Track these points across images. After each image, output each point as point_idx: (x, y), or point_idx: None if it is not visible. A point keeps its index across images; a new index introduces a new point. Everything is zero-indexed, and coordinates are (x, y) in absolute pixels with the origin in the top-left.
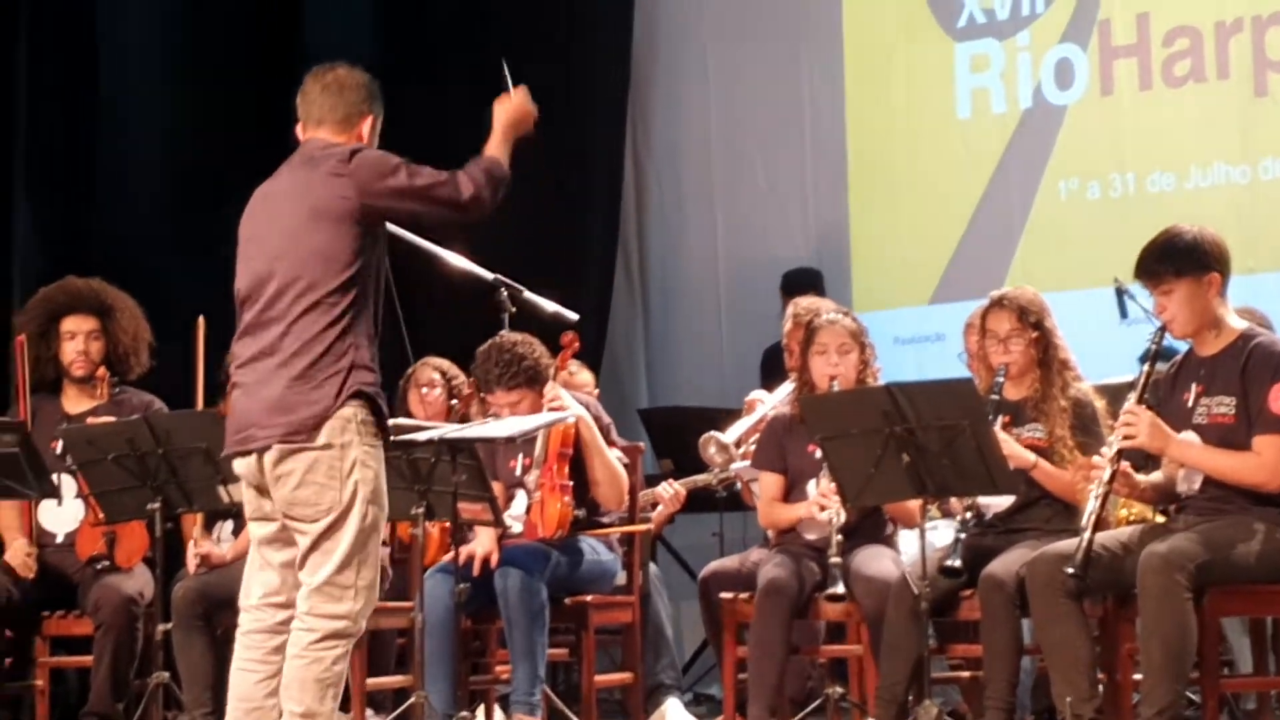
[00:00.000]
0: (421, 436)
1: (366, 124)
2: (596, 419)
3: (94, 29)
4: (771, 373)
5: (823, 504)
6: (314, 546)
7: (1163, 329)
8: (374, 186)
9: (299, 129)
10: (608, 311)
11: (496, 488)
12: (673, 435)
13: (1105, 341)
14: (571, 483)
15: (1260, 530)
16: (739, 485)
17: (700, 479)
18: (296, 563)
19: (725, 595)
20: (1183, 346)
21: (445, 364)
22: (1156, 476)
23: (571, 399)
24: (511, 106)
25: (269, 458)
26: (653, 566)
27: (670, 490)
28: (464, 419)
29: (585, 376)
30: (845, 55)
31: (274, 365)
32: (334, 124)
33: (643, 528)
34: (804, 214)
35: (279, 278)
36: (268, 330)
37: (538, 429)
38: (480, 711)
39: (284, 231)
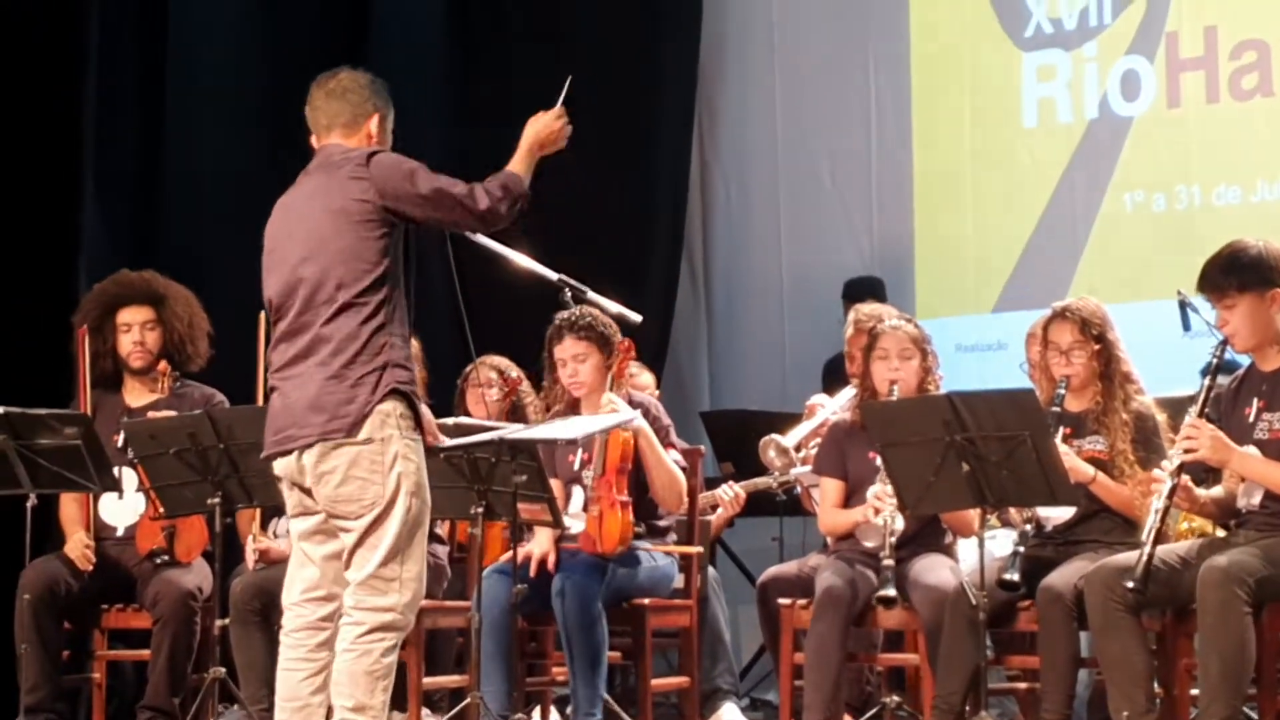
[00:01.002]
0: (483, 437)
1: (373, 121)
2: (656, 420)
3: (165, 34)
4: (833, 379)
5: (878, 507)
6: (360, 542)
7: (1225, 343)
8: (393, 189)
9: (313, 140)
10: (672, 314)
11: (554, 484)
12: (734, 438)
13: (1167, 354)
14: (630, 499)
15: None
16: (799, 490)
17: (760, 482)
18: (342, 557)
19: (783, 601)
20: (1245, 361)
21: (504, 363)
22: (1217, 491)
23: (627, 406)
24: (543, 125)
25: (310, 457)
26: (711, 570)
27: (730, 493)
28: (515, 407)
29: (646, 378)
30: (912, 63)
31: (311, 366)
32: (342, 127)
33: (696, 550)
34: (868, 220)
35: (308, 282)
36: (303, 334)
37: (598, 432)
38: (536, 712)
39: (309, 235)
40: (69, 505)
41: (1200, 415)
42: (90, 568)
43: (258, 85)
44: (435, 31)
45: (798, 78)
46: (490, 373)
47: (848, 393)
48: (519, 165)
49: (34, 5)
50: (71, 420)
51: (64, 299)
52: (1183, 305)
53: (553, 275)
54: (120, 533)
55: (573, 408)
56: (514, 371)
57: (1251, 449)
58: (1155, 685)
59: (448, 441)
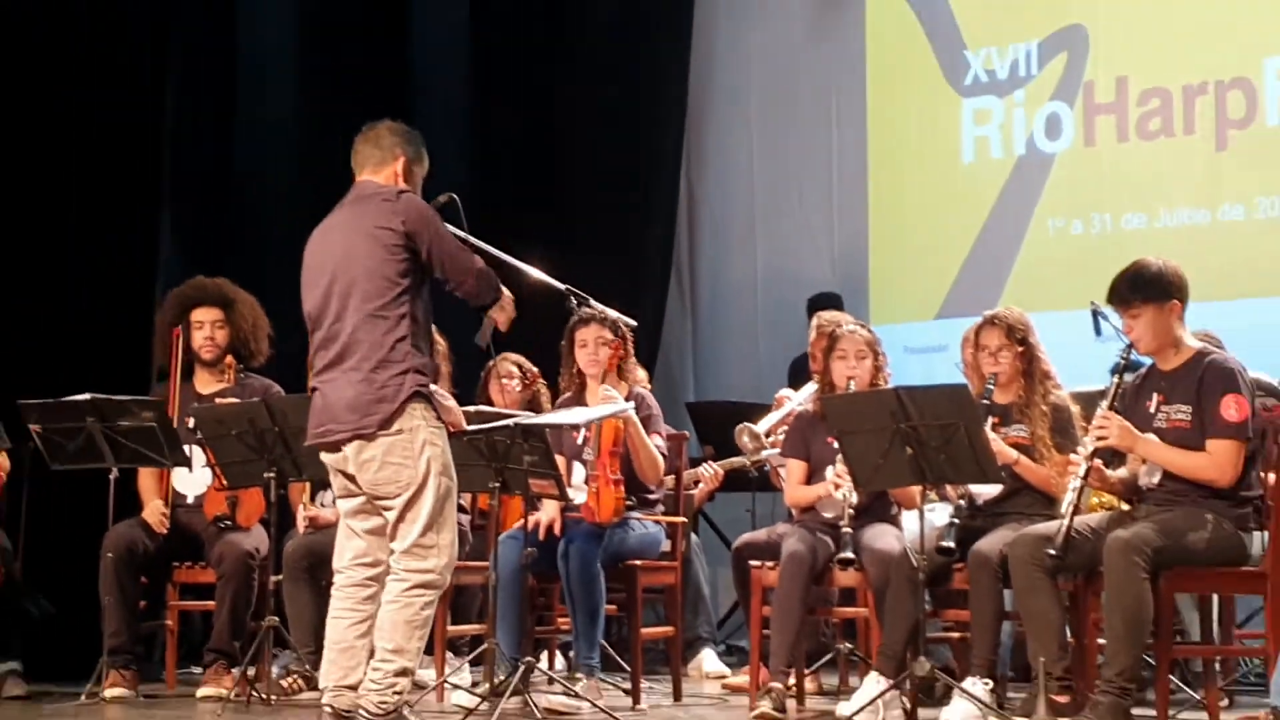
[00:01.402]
0: (500, 424)
1: (400, 163)
2: (649, 409)
3: (234, 59)
4: (798, 376)
5: (837, 483)
6: (400, 517)
7: (1130, 346)
8: (417, 225)
9: (355, 174)
10: (662, 319)
11: (560, 461)
12: (714, 425)
13: (1082, 356)
14: (622, 477)
15: (1209, 521)
16: (769, 469)
17: (736, 462)
18: (383, 530)
19: (754, 563)
20: (1147, 361)
21: (521, 359)
22: (1123, 472)
23: (620, 398)
24: (504, 318)
25: (351, 449)
26: (693, 536)
27: (710, 470)
28: (535, 396)
29: (641, 373)
30: (868, 107)
31: (344, 371)
32: (374, 165)
33: (680, 519)
34: (830, 242)
35: (338, 296)
36: (335, 342)
37: (597, 419)
38: (544, 656)
39: (341, 256)
40: (146, 478)
41: (1110, 408)
42: (164, 531)
43: (311, 120)
44: (462, 87)
45: (771, 121)
46: (511, 366)
47: (810, 387)
48: (509, 295)
49: (119, 45)
50: (148, 405)
51: (144, 301)
52: (1095, 314)
53: (560, 285)
54: (190, 501)
55: (578, 397)
56: (531, 367)
57: (1152, 436)
58: (1068, 636)
59: (470, 427)
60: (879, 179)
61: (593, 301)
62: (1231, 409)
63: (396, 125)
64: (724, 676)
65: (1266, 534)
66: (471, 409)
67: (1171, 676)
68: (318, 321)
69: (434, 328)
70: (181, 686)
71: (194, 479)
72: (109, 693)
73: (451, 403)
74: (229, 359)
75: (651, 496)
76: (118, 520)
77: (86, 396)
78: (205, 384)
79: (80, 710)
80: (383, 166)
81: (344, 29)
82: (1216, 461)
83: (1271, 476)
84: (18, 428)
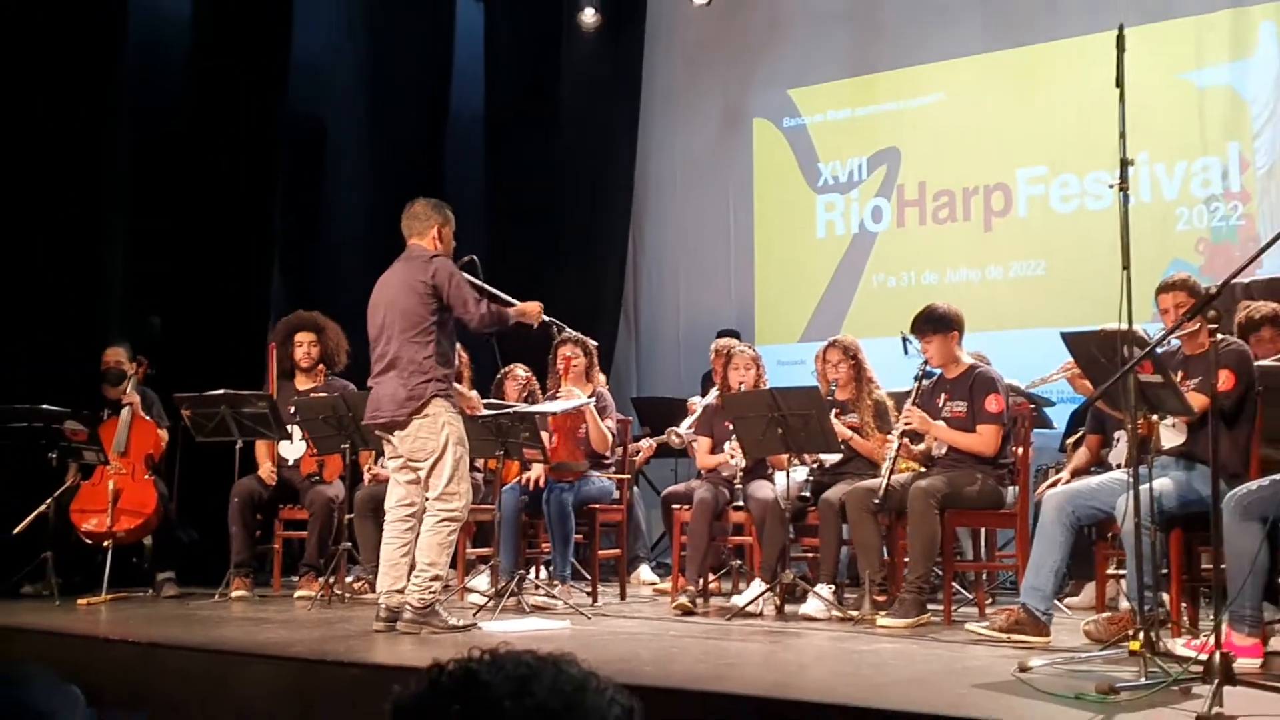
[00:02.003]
0: (503, 412)
1: (435, 230)
2: (605, 402)
3: (323, 149)
4: (707, 381)
5: (732, 454)
6: (431, 472)
7: (926, 362)
8: (441, 279)
9: (406, 238)
10: (614, 340)
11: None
12: (651, 413)
13: (895, 367)
14: (583, 449)
15: (979, 478)
16: (687, 443)
17: (665, 438)
18: (419, 483)
19: (676, 506)
20: (937, 372)
21: (523, 367)
22: (922, 446)
23: (582, 396)
24: (532, 309)
25: (395, 428)
26: (635, 489)
27: (648, 443)
28: (531, 393)
29: (601, 377)
30: (755, 196)
31: (391, 376)
32: (419, 234)
33: (626, 477)
34: (728, 287)
35: (388, 326)
36: (386, 357)
37: (570, 409)
38: (532, 570)
39: (391, 301)
40: (260, 447)
41: (913, 403)
42: (273, 483)
43: (373, 201)
44: (478, 174)
45: (689, 203)
46: (519, 371)
47: (714, 392)
48: (513, 311)
49: (242, 152)
50: (262, 398)
51: (260, 326)
52: (903, 340)
53: (547, 318)
54: (290, 463)
55: (554, 395)
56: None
57: (941, 423)
58: (885, 555)
59: (484, 412)
60: (762, 246)
61: (568, 329)
62: (993, 404)
63: (430, 200)
64: (655, 583)
65: (1017, 488)
66: (484, 401)
67: (953, 583)
68: (375, 342)
69: (459, 346)
70: (284, 589)
71: (294, 448)
72: (234, 593)
73: (473, 394)
74: (320, 367)
75: (607, 461)
76: (241, 476)
77: (221, 391)
78: (302, 383)
79: (215, 605)
80: (426, 233)
81: (404, 125)
82: (984, 439)
83: (1019, 449)
84: (174, 412)
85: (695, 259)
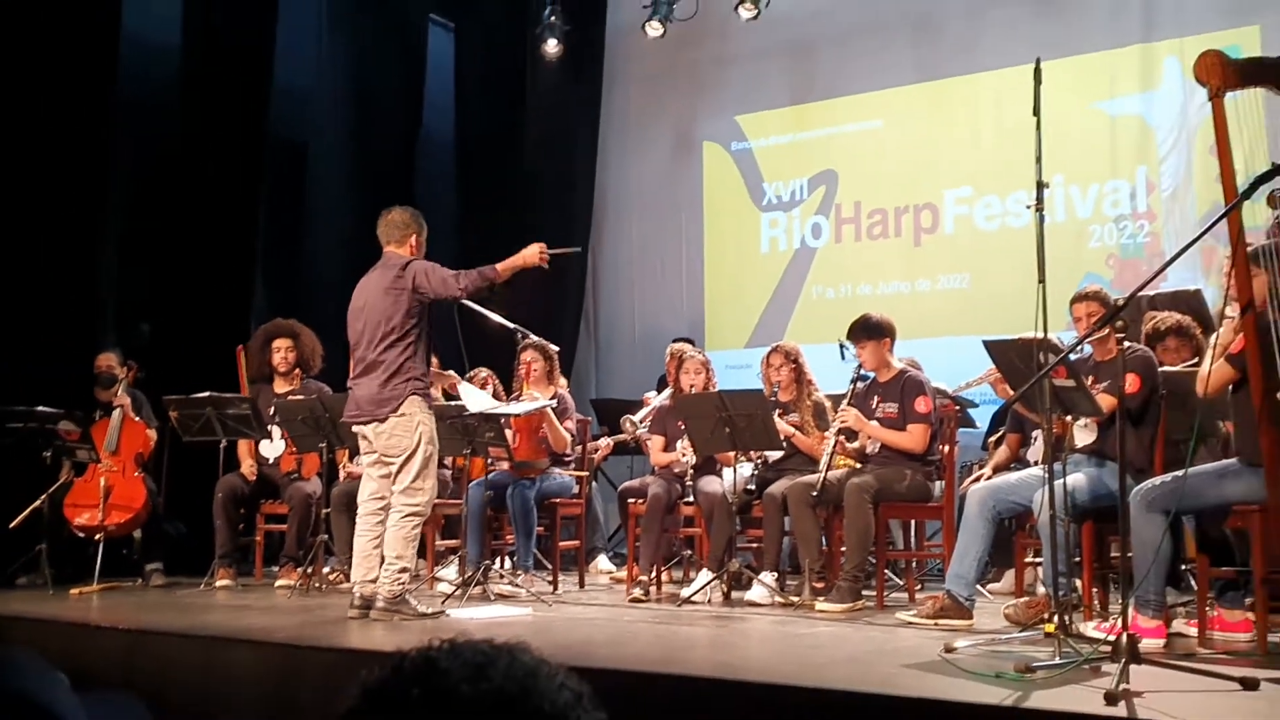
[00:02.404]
0: (469, 412)
1: (413, 238)
2: (566, 404)
3: (304, 169)
4: (661, 383)
5: (684, 452)
6: (401, 468)
7: (860, 366)
8: (417, 285)
9: (382, 245)
10: (575, 346)
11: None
12: (609, 413)
13: (832, 371)
14: (545, 448)
15: (909, 474)
16: (642, 441)
17: (622, 437)
18: (390, 477)
19: (631, 500)
20: (871, 375)
21: (487, 370)
22: (857, 444)
23: (543, 399)
24: (532, 252)
25: (371, 426)
26: (594, 484)
27: (606, 442)
28: (494, 393)
29: (563, 380)
30: (705, 215)
31: (371, 378)
32: (396, 242)
33: (585, 474)
34: (680, 298)
35: (369, 331)
36: (366, 360)
37: (531, 410)
38: (497, 560)
39: (371, 308)
40: (242, 446)
41: (848, 404)
42: (254, 479)
43: (350, 217)
44: (449, 192)
45: (644, 222)
46: (484, 374)
47: (667, 391)
48: (503, 265)
49: (227, 170)
50: (244, 400)
51: (243, 334)
52: (841, 346)
53: (511, 325)
54: (271, 461)
55: (518, 397)
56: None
57: (874, 422)
58: (823, 545)
59: (463, 385)
60: (711, 260)
61: (532, 335)
62: (922, 405)
63: (407, 209)
64: (612, 572)
65: (943, 482)
66: (453, 404)
67: (886, 571)
68: (356, 345)
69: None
70: (265, 579)
71: (274, 447)
72: (219, 583)
73: (449, 373)
74: (297, 371)
75: (567, 459)
76: (225, 473)
77: (206, 394)
78: (281, 386)
79: (200, 594)
80: (404, 241)
81: (380, 145)
82: (914, 437)
83: (946, 447)
84: (162, 414)
85: (650, 271)
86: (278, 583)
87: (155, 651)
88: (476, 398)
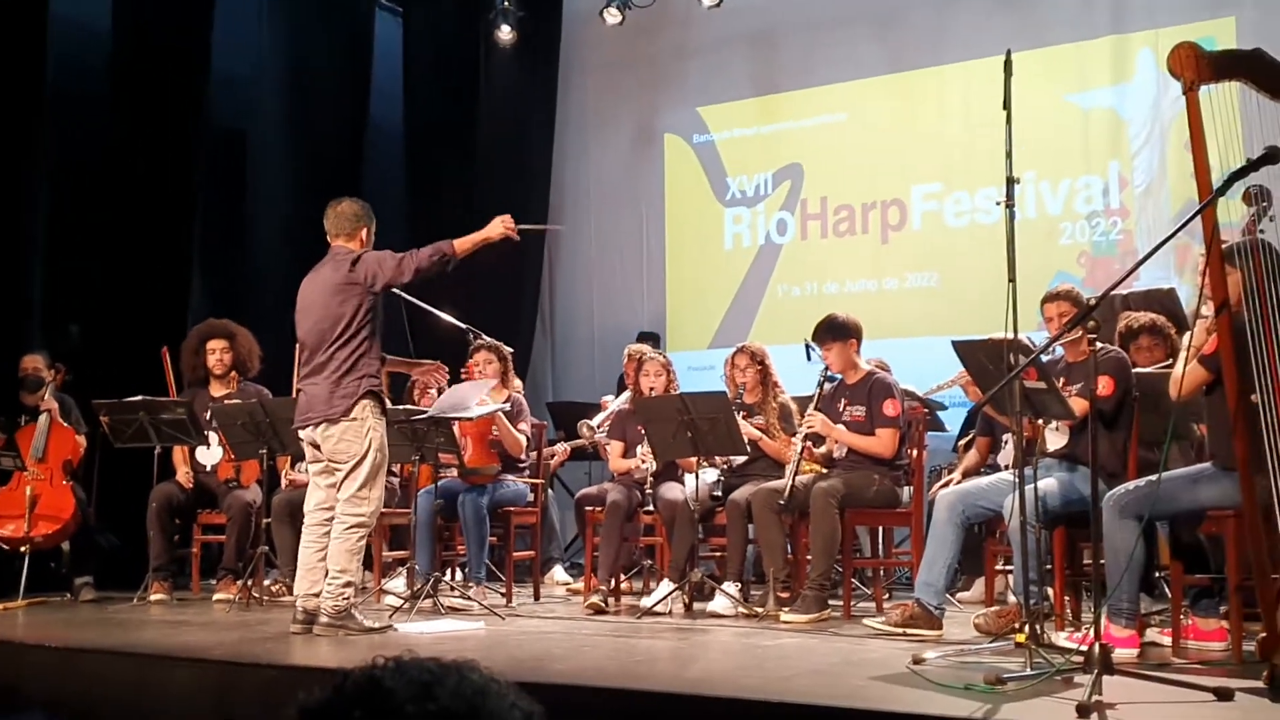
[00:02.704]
0: (420, 417)
1: (363, 231)
2: (521, 407)
3: (244, 161)
4: (620, 386)
5: (644, 458)
6: (347, 476)
7: (827, 368)
8: (369, 279)
9: (330, 238)
10: (530, 348)
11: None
12: (565, 417)
13: (798, 372)
14: (496, 452)
15: (876, 479)
16: (600, 447)
17: (579, 442)
18: (337, 485)
19: (589, 508)
20: (838, 378)
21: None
22: (824, 449)
23: (496, 403)
24: (498, 228)
25: (321, 429)
26: (550, 491)
27: (562, 448)
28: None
29: (517, 383)
30: (666, 210)
31: (322, 378)
32: (346, 235)
33: (540, 481)
34: (641, 297)
35: (319, 331)
36: (316, 359)
37: (484, 414)
38: (448, 571)
39: (323, 305)
40: (178, 452)
41: (815, 407)
42: (190, 487)
43: (294, 211)
44: (398, 184)
45: (603, 217)
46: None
47: (626, 394)
48: (462, 241)
49: (161, 162)
50: (179, 404)
51: (179, 334)
52: (806, 347)
53: (462, 325)
54: (209, 468)
55: None
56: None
57: (841, 426)
58: (789, 553)
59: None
60: (673, 257)
61: (485, 336)
62: (890, 408)
63: (357, 201)
64: (569, 584)
65: (911, 488)
66: (401, 408)
67: (853, 579)
68: (305, 344)
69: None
70: (203, 593)
71: (211, 453)
72: (153, 597)
73: (435, 363)
74: (233, 374)
75: (521, 465)
76: (159, 481)
77: (139, 398)
78: (217, 390)
79: (133, 609)
80: (355, 235)
81: (324, 136)
82: (882, 442)
83: (914, 452)
84: (92, 419)
85: (609, 269)
86: (216, 597)
87: (86, 670)
88: (474, 393)
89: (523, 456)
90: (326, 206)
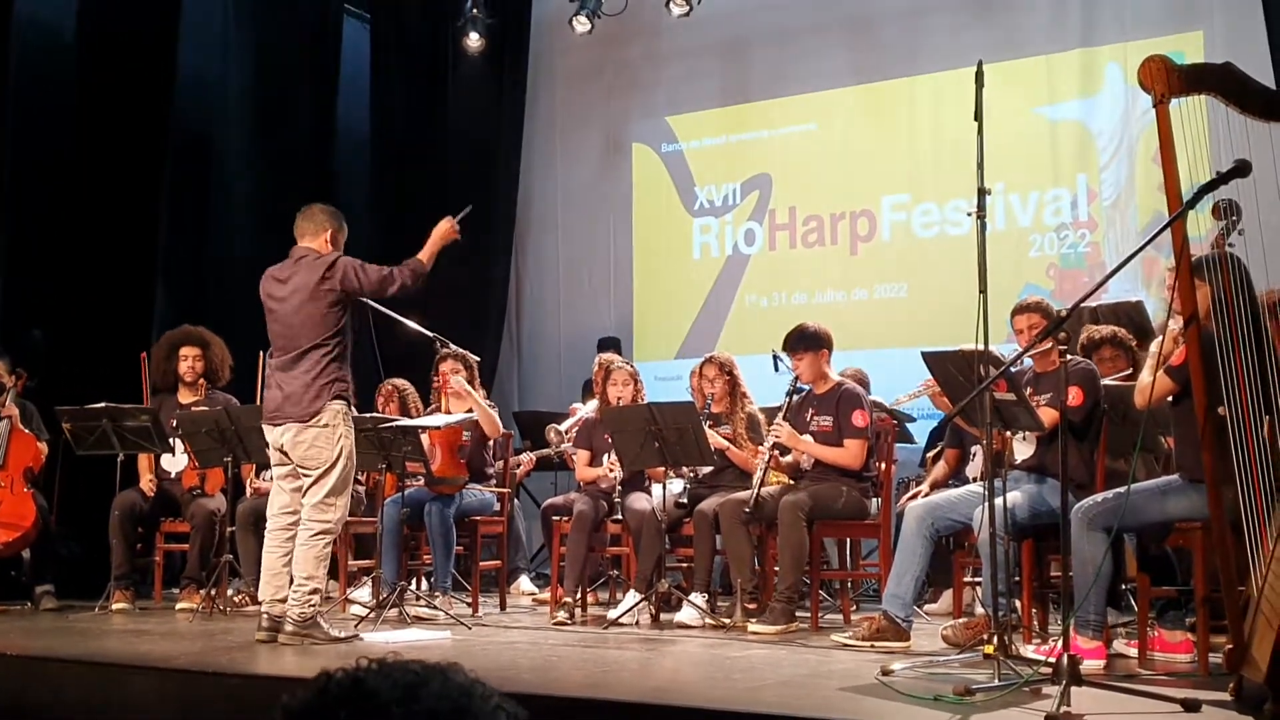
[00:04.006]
0: (388, 426)
1: (328, 234)
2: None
3: (209, 166)
4: (587, 394)
5: (611, 467)
6: (315, 482)
7: (796, 378)
8: (348, 285)
9: (296, 235)
10: (497, 356)
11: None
12: (531, 426)
13: (766, 383)
14: (464, 461)
15: (844, 491)
16: (566, 456)
17: (545, 451)
18: (303, 490)
19: (555, 518)
20: (806, 388)
21: (401, 382)
22: (791, 459)
23: (462, 413)
24: (445, 228)
25: (289, 433)
26: (516, 501)
27: (528, 457)
28: (403, 406)
29: (483, 391)
30: (634, 219)
31: (293, 377)
32: (311, 235)
33: (507, 490)
34: (608, 307)
35: (291, 336)
36: (288, 356)
37: (452, 423)
38: (414, 581)
39: (295, 309)
40: (141, 460)
41: (783, 418)
42: (153, 495)
43: (260, 216)
44: (365, 191)
45: (570, 226)
46: (390, 388)
47: (593, 402)
48: (425, 254)
49: (126, 167)
50: (144, 411)
51: (143, 340)
52: (775, 357)
53: (429, 333)
54: (173, 476)
55: (436, 409)
56: (409, 390)
57: (808, 437)
58: (756, 564)
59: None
60: (640, 267)
61: (451, 344)
62: (859, 419)
63: (326, 207)
64: (535, 594)
65: (879, 499)
66: (368, 415)
67: (820, 591)
68: (277, 343)
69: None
70: (165, 602)
71: (176, 461)
72: (115, 606)
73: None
74: (202, 382)
75: (488, 473)
76: (122, 489)
77: (102, 404)
78: (185, 397)
79: (95, 618)
80: (318, 236)
81: (290, 142)
82: (850, 453)
83: (882, 463)
84: (54, 425)
85: (576, 278)
86: (179, 606)
87: (47, 680)
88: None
89: (498, 437)
90: (296, 214)
